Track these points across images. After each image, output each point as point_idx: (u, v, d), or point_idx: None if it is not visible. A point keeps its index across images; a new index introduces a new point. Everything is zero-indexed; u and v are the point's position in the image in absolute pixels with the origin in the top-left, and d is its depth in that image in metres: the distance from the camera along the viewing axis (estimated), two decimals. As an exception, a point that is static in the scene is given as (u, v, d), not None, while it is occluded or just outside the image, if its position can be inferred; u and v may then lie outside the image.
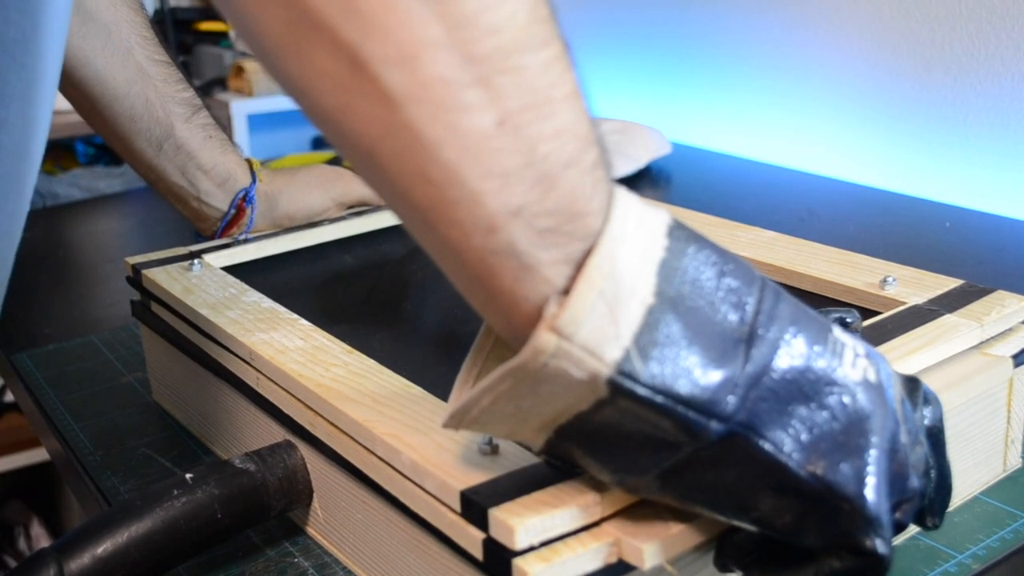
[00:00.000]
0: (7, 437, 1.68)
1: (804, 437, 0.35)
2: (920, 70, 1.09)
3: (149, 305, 0.66)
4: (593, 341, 0.32)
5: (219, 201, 0.74)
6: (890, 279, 0.58)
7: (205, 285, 0.63)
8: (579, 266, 0.33)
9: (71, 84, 0.69)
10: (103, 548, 0.45)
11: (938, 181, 1.09)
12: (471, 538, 0.39)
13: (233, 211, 0.74)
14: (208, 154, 0.73)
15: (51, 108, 0.46)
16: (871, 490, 0.35)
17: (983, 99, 1.04)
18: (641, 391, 0.33)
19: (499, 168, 0.31)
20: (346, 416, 0.47)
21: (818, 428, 0.35)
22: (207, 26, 1.93)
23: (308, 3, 0.29)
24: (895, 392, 0.38)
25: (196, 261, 0.66)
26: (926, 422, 0.40)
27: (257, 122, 1.79)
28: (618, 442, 0.35)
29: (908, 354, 0.50)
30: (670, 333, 0.33)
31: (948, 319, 0.53)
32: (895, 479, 0.37)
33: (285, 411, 0.52)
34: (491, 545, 0.38)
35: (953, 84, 1.06)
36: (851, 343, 0.37)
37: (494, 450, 0.42)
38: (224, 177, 0.74)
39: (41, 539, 1.72)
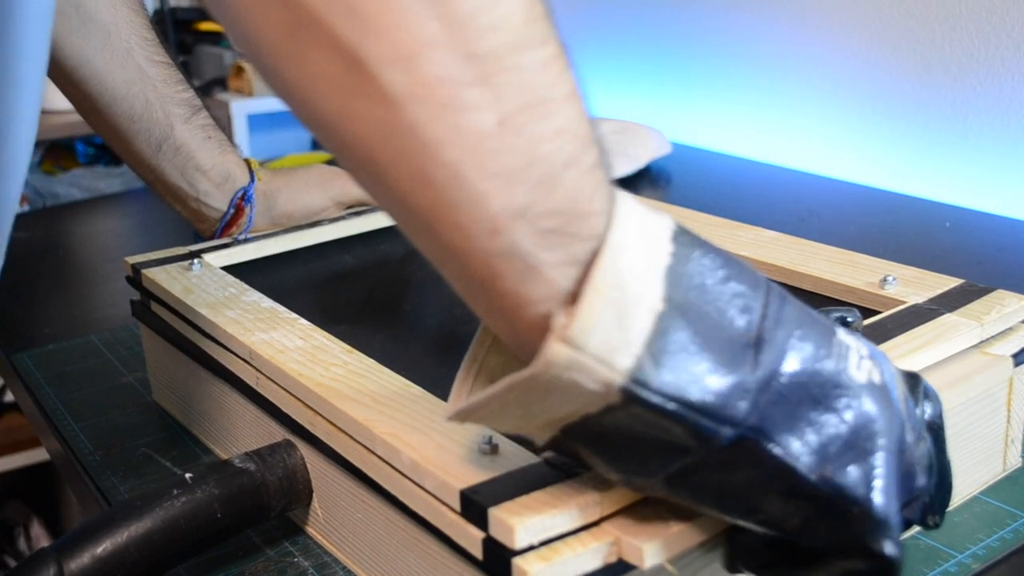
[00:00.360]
0: (7, 437, 1.68)
1: (813, 441, 0.34)
2: (920, 70, 1.09)
3: (149, 305, 0.67)
4: (604, 350, 0.32)
5: (218, 201, 0.74)
6: (890, 279, 0.58)
7: (205, 285, 0.63)
8: (584, 267, 0.33)
9: (71, 83, 0.69)
10: (103, 548, 0.45)
11: (938, 181, 1.09)
12: (471, 537, 0.39)
13: (232, 211, 0.74)
14: (207, 154, 0.73)
15: (33, 112, 0.45)
16: (879, 493, 0.35)
17: (983, 99, 1.04)
18: (654, 399, 0.33)
19: (501, 168, 0.31)
20: (346, 415, 0.47)
21: (826, 432, 0.35)
22: (207, 26, 1.93)
23: (306, 4, 0.29)
24: (899, 391, 0.38)
25: (196, 261, 0.66)
26: (926, 417, 0.40)
27: (257, 122, 1.79)
28: (626, 444, 0.35)
29: (908, 353, 0.50)
30: (680, 339, 0.33)
31: (948, 318, 0.53)
32: (903, 479, 0.36)
33: (285, 411, 0.52)
34: (491, 544, 0.38)
35: (953, 84, 1.06)
36: (855, 345, 0.37)
37: (493, 450, 0.42)
38: (223, 177, 0.74)
39: (41, 539, 1.72)
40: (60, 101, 0.77)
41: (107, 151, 1.86)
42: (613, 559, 0.38)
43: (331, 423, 0.48)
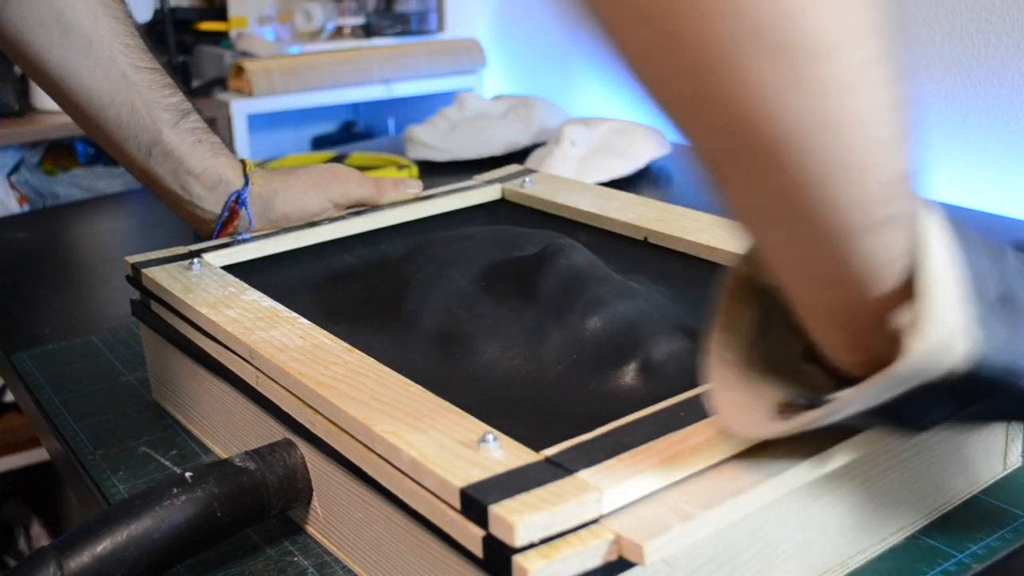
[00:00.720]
0: (7, 437, 1.68)
1: None
2: (920, 69, 1.09)
3: (149, 304, 0.67)
4: (949, 338, 0.35)
5: (211, 204, 0.74)
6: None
7: (205, 284, 0.63)
8: (911, 257, 0.36)
9: (58, 93, 0.70)
10: (103, 547, 0.45)
11: (938, 181, 1.09)
12: (471, 535, 0.39)
13: (226, 214, 0.74)
14: (197, 159, 0.73)
15: None
16: None
17: (983, 99, 1.04)
18: (994, 374, 0.37)
19: (888, 139, 0.33)
20: (346, 414, 0.47)
21: None
22: (207, 26, 1.93)
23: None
24: None
25: (196, 260, 0.66)
26: None
27: (257, 122, 1.79)
28: (923, 406, 0.39)
29: (908, 353, 0.50)
30: (1000, 318, 0.37)
31: (948, 318, 0.53)
32: None
33: (285, 409, 0.52)
34: (491, 542, 0.38)
35: (953, 84, 1.06)
36: None
37: (493, 448, 0.42)
38: (215, 181, 0.74)
39: (41, 539, 1.72)
40: (60, 101, 0.77)
41: (104, 150, 1.86)
42: (613, 557, 0.38)
43: (331, 422, 0.48)
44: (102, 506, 0.59)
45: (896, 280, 0.36)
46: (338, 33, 1.96)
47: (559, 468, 0.40)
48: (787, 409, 0.42)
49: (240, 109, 1.70)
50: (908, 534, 0.51)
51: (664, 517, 0.39)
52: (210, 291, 0.62)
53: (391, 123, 2.05)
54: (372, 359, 0.52)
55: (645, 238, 0.72)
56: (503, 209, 0.83)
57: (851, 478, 0.47)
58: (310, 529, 0.54)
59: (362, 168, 1.07)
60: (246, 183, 0.74)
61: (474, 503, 0.39)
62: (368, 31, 1.95)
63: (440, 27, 1.96)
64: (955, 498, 0.53)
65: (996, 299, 0.38)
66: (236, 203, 0.74)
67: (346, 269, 0.71)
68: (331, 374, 0.50)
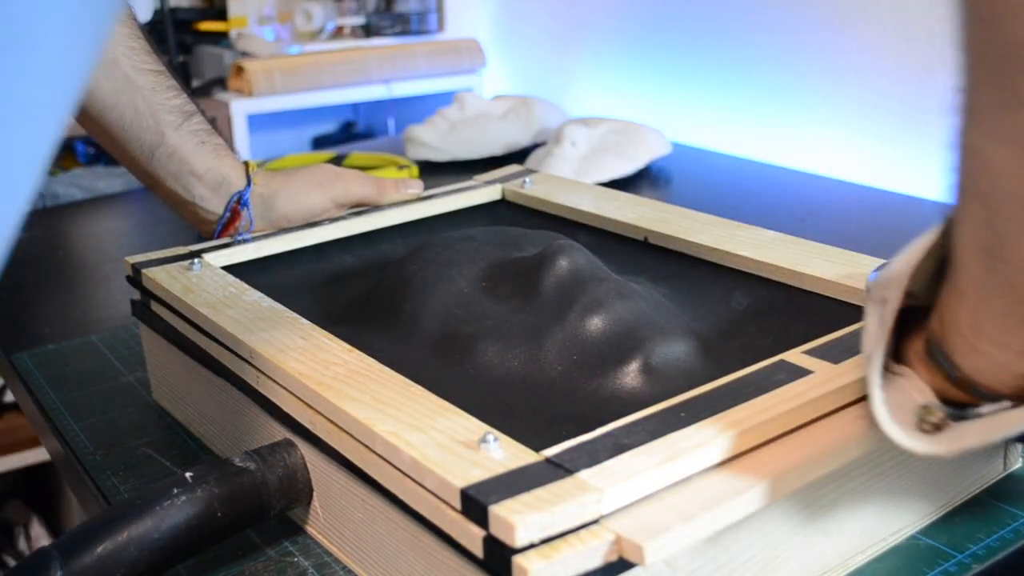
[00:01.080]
0: (7, 437, 1.68)
1: None
2: (920, 70, 1.09)
3: (149, 304, 0.67)
4: None
5: (214, 205, 0.74)
6: (890, 278, 0.58)
7: (205, 284, 0.63)
8: None
9: None
10: (103, 547, 0.45)
11: (938, 181, 1.09)
12: (471, 535, 0.39)
13: (228, 214, 0.74)
14: (200, 160, 0.73)
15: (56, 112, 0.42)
16: None
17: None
18: None
19: None
20: (346, 414, 0.47)
21: None
22: (207, 26, 1.93)
23: None
24: None
25: (196, 260, 0.66)
26: None
27: (257, 122, 1.79)
28: None
29: (908, 353, 0.50)
30: None
31: (948, 318, 0.53)
32: None
33: (285, 410, 0.52)
34: (491, 542, 0.38)
35: (953, 84, 1.06)
36: None
37: (497, 448, 0.42)
38: (218, 182, 0.74)
39: (41, 539, 1.72)
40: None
41: (106, 151, 1.86)
42: (613, 557, 0.38)
43: (331, 422, 0.48)
44: (102, 506, 0.59)
45: None
46: (338, 33, 1.96)
47: (559, 468, 0.40)
48: (927, 415, 0.41)
49: (240, 109, 1.70)
50: (908, 534, 0.51)
51: (664, 517, 0.39)
52: (210, 291, 0.62)
53: (391, 123, 2.05)
54: (372, 359, 0.52)
55: (645, 238, 0.72)
56: (503, 209, 0.83)
57: (851, 478, 0.47)
58: (310, 529, 0.54)
59: (362, 168, 1.06)
60: (248, 184, 0.74)
61: (474, 503, 0.39)
62: (368, 31, 1.95)
63: (440, 27, 1.96)
64: (955, 498, 0.53)
65: None
66: (238, 204, 0.74)
67: (346, 269, 0.71)
68: (331, 374, 0.50)
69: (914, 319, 0.43)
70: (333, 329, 0.56)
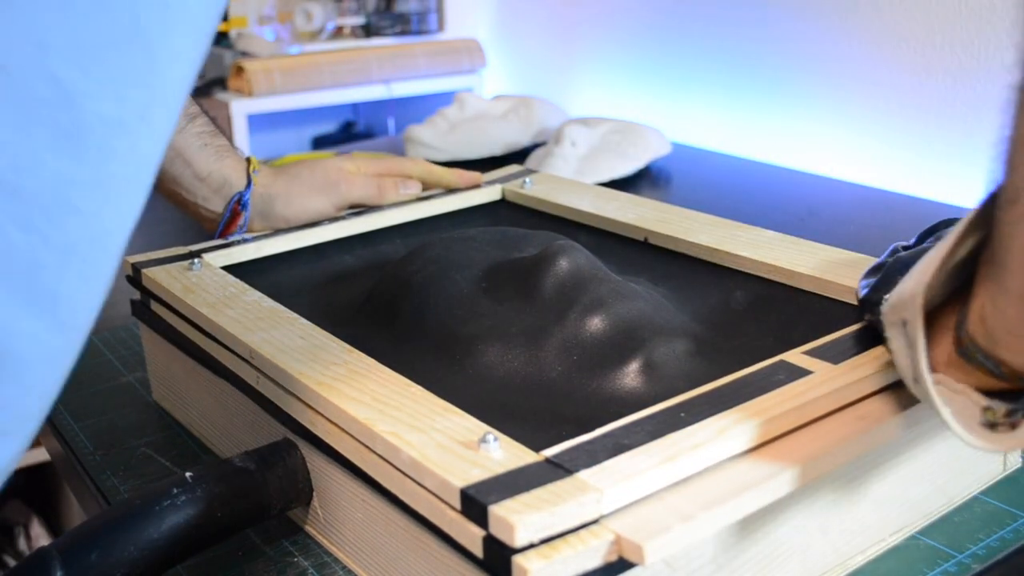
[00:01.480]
0: (7, 437, 1.68)
1: None
2: (920, 71, 1.09)
3: (149, 304, 0.67)
4: None
5: (216, 205, 0.75)
6: (890, 278, 0.58)
7: (205, 284, 0.63)
8: None
9: None
10: (103, 546, 0.45)
11: (938, 181, 1.09)
12: (471, 535, 0.39)
13: (229, 214, 0.74)
14: (204, 162, 0.74)
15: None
16: None
17: (983, 99, 1.04)
18: None
19: None
20: (346, 414, 0.47)
21: None
22: (207, 26, 1.93)
23: None
24: None
25: (196, 260, 0.66)
26: None
27: (257, 122, 1.79)
28: None
29: (908, 353, 0.50)
30: None
31: (948, 318, 0.53)
32: None
33: (285, 409, 0.52)
34: (491, 542, 0.38)
35: (953, 84, 1.06)
36: None
37: (493, 448, 0.42)
38: (220, 183, 0.74)
39: (41, 539, 1.72)
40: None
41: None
42: (613, 557, 0.38)
43: (331, 422, 0.48)
44: (102, 506, 0.59)
45: None
46: (338, 33, 1.96)
47: (559, 468, 0.40)
48: (992, 416, 0.41)
49: (240, 109, 1.70)
50: (908, 534, 0.51)
51: (664, 517, 0.39)
52: (210, 291, 0.62)
53: (391, 123, 2.05)
54: (372, 359, 0.52)
55: (645, 238, 0.72)
56: (503, 209, 0.83)
57: (851, 478, 0.47)
58: (310, 529, 0.54)
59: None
60: (248, 184, 0.74)
61: (474, 503, 0.39)
62: (368, 31, 1.95)
63: (440, 27, 1.96)
64: (955, 498, 0.53)
65: None
66: (238, 204, 0.74)
67: (346, 269, 0.71)
68: (331, 374, 0.50)
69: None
70: (333, 329, 0.56)
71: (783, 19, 1.23)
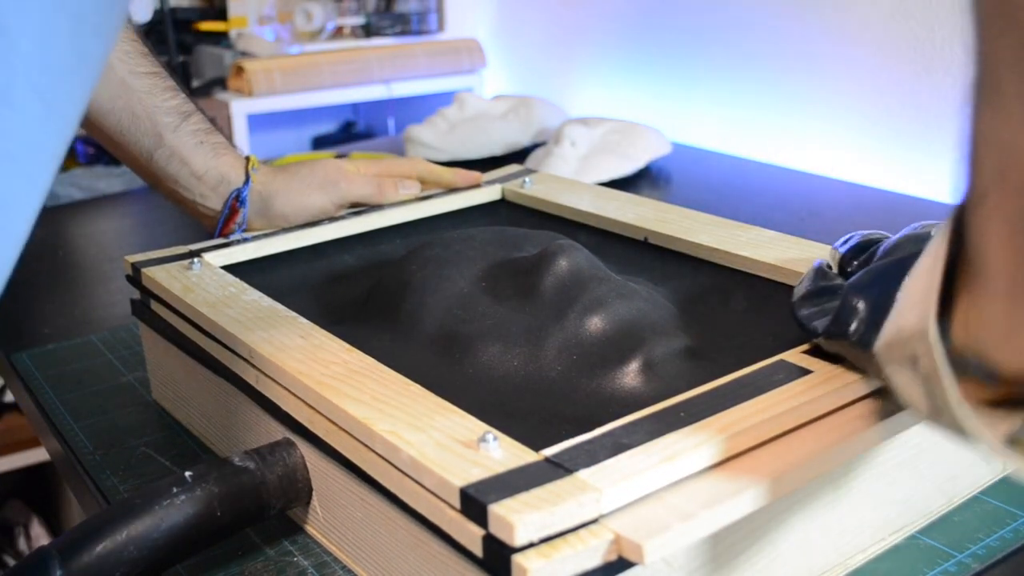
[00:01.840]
0: (7, 437, 1.68)
1: None
2: (920, 70, 1.09)
3: (149, 304, 0.67)
4: None
5: (214, 203, 0.75)
6: (890, 278, 0.58)
7: (205, 284, 0.63)
8: None
9: None
10: (102, 546, 0.45)
11: (938, 181, 1.09)
12: (470, 535, 0.39)
13: (227, 212, 0.74)
14: (199, 160, 0.74)
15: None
16: None
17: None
18: None
19: None
20: (345, 413, 0.47)
21: None
22: (207, 26, 1.93)
23: None
24: None
25: (196, 260, 0.66)
26: None
27: (257, 122, 1.79)
28: None
29: (908, 352, 0.50)
30: None
31: (948, 318, 0.53)
32: None
33: (284, 409, 0.52)
34: (490, 542, 0.38)
35: (953, 84, 1.06)
36: None
37: (493, 447, 0.42)
38: (217, 181, 0.74)
39: (41, 539, 1.72)
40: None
41: (107, 151, 1.86)
42: (613, 556, 0.38)
43: (331, 421, 0.48)
44: (102, 506, 0.59)
45: None
46: (338, 33, 1.96)
47: (559, 468, 0.40)
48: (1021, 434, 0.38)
49: (240, 109, 1.70)
50: (908, 534, 0.51)
51: (664, 517, 0.39)
52: (210, 291, 0.62)
53: (391, 123, 2.06)
54: (372, 359, 0.52)
55: (645, 238, 0.72)
56: (503, 209, 0.83)
57: (851, 478, 0.47)
58: (310, 529, 0.54)
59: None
60: (247, 181, 0.74)
61: (474, 502, 0.39)
62: (368, 31, 1.95)
63: (440, 27, 1.96)
64: (955, 498, 0.53)
65: None
66: (236, 200, 0.74)
67: (346, 269, 0.71)
68: (331, 374, 0.50)
69: None
70: (332, 329, 0.56)
71: (783, 19, 1.23)
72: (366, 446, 0.46)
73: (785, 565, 0.45)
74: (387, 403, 0.47)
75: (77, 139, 1.87)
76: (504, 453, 0.42)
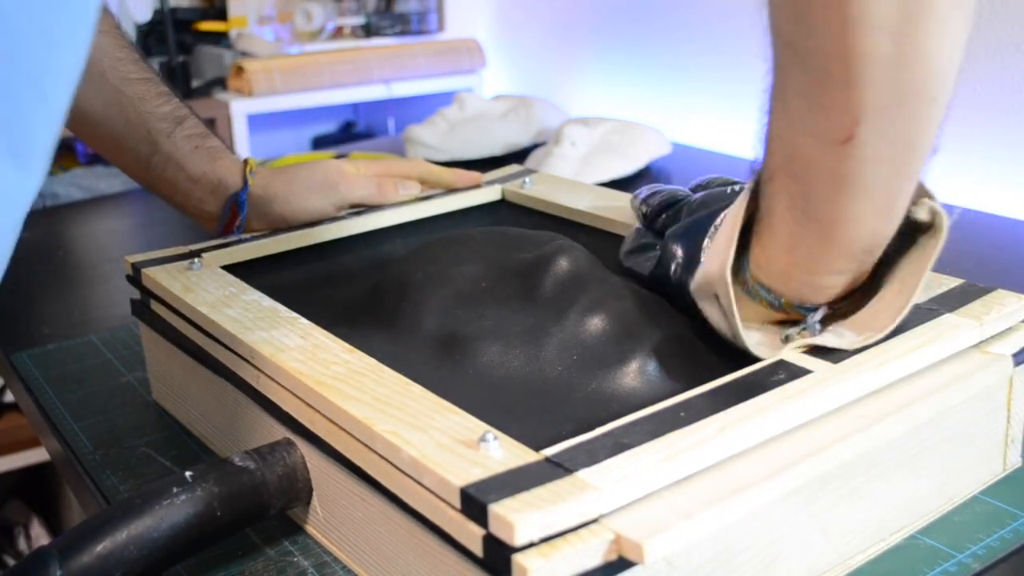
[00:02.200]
0: (7, 437, 1.68)
1: None
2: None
3: (149, 304, 0.67)
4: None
5: (212, 206, 0.75)
6: (890, 278, 0.58)
7: (205, 284, 0.63)
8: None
9: None
10: (102, 546, 0.45)
11: (938, 181, 1.09)
12: (471, 534, 0.39)
13: (227, 214, 0.74)
14: (195, 165, 0.74)
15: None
16: None
17: (983, 99, 1.04)
18: None
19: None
20: (346, 414, 0.47)
21: None
22: (207, 26, 1.93)
23: None
24: None
25: (196, 260, 0.66)
26: None
27: (257, 122, 1.79)
28: None
29: (908, 352, 0.50)
30: None
31: (948, 318, 0.53)
32: None
33: (285, 409, 0.52)
34: (491, 541, 0.38)
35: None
36: None
37: (493, 447, 0.42)
38: (214, 185, 0.74)
39: (41, 539, 1.72)
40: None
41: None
42: (613, 556, 0.38)
43: (331, 421, 0.48)
44: (102, 506, 0.59)
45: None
46: (338, 33, 1.96)
47: (559, 467, 0.40)
48: (791, 339, 0.51)
49: (240, 109, 1.70)
50: (908, 534, 0.51)
51: (664, 516, 0.39)
52: (210, 291, 0.62)
53: (391, 123, 2.06)
54: (372, 359, 0.52)
55: (645, 238, 0.72)
56: (503, 209, 0.83)
57: (851, 478, 0.47)
58: (310, 529, 0.54)
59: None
60: (245, 185, 0.74)
61: (474, 502, 0.39)
62: (368, 31, 1.95)
63: (440, 27, 1.96)
64: (955, 498, 0.53)
65: None
66: (235, 204, 0.74)
67: (346, 269, 0.71)
68: (331, 374, 0.50)
69: None
70: (333, 329, 0.56)
71: (783, 19, 1.23)
72: (366, 446, 0.46)
73: (785, 565, 0.45)
74: (387, 403, 0.47)
75: (77, 139, 1.87)
76: (504, 453, 0.42)
